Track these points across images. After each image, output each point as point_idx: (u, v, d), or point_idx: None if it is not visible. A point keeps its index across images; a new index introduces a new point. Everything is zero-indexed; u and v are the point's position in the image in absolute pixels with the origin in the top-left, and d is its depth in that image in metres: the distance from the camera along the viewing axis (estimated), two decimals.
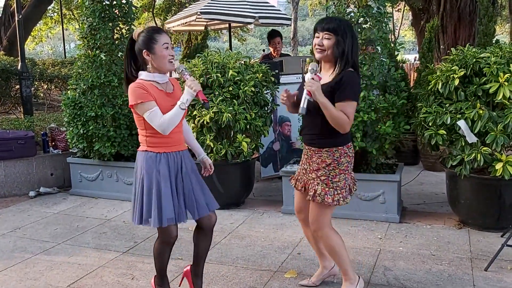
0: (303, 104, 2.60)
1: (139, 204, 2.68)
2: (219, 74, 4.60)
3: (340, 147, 2.74)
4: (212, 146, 4.57)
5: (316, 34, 2.72)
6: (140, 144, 2.73)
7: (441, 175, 5.57)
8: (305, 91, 2.60)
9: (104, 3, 5.15)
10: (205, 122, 4.51)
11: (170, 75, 2.83)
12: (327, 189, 2.75)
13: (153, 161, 2.65)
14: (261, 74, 4.79)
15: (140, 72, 2.68)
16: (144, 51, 2.61)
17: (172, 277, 3.34)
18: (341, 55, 2.65)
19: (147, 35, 2.62)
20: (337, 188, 2.76)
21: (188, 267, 3.04)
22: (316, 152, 2.78)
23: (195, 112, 4.61)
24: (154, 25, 16.93)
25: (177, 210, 2.67)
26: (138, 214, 2.68)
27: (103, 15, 5.13)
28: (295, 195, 3.07)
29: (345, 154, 2.76)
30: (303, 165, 2.93)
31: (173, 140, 2.71)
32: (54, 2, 14.52)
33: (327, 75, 2.73)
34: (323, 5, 20.35)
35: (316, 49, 2.71)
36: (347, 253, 2.88)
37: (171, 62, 2.65)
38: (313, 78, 2.59)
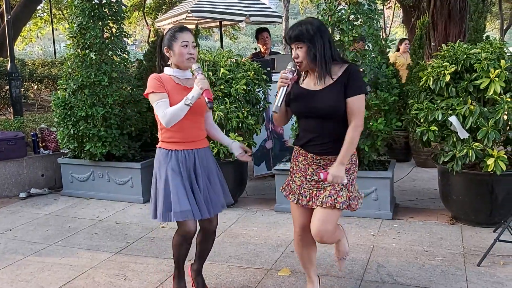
0: (279, 102, 2.49)
1: (153, 199, 2.77)
2: (210, 73, 4.58)
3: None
4: None
5: (291, 46, 2.55)
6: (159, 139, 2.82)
7: (433, 171, 5.59)
8: (282, 88, 2.49)
9: (93, 2, 5.10)
10: None
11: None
12: (349, 194, 2.58)
13: (165, 157, 2.73)
14: (252, 72, 4.78)
15: (165, 67, 2.80)
16: (165, 48, 2.73)
17: (165, 276, 3.33)
18: (316, 59, 2.46)
19: (170, 33, 2.72)
20: (357, 191, 2.69)
21: (189, 265, 3.08)
22: (333, 161, 2.52)
23: None
24: (145, 24, 16.87)
25: (192, 206, 2.67)
26: (153, 209, 2.77)
27: (92, 14, 5.08)
28: (298, 212, 2.72)
29: (355, 155, 2.67)
30: (308, 176, 2.63)
31: (186, 135, 2.73)
32: (43, 2, 14.40)
33: (317, 79, 2.54)
34: (314, 3, 20.37)
35: (296, 63, 2.52)
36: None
37: (189, 60, 2.70)
38: (286, 77, 2.49)
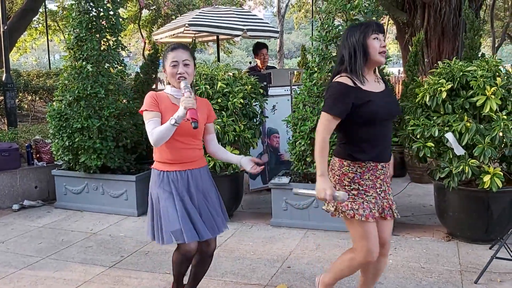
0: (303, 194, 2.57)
1: (149, 220, 2.74)
2: (207, 86, 4.58)
3: None
4: None
5: (373, 36, 2.47)
6: None
7: (428, 187, 5.60)
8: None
9: (91, 15, 5.11)
10: None
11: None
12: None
13: (157, 179, 2.70)
14: (250, 86, 4.79)
15: (167, 85, 2.77)
16: (162, 67, 2.73)
17: None
18: None
19: (164, 52, 2.71)
20: None
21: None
22: (388, 165, 2.61)
23: None
24: (140, 36, 16.89)
25: (184, 225, 2.60)
26: (150, 230, 2.74)
27: (90, 26, 5.08)
28: (372, 230, 2.52)
29: None
30: (378, 190, 2.54)
31: (179, 157, 2.68)
32: (39, 13, 14.40)
33: (373, 81, 2.55)
34: (309, 19, 20.58)
35: (382, 52, 2.47)
36: None
37: (180, 79, 2.61)
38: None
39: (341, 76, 2.50)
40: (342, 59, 2.54)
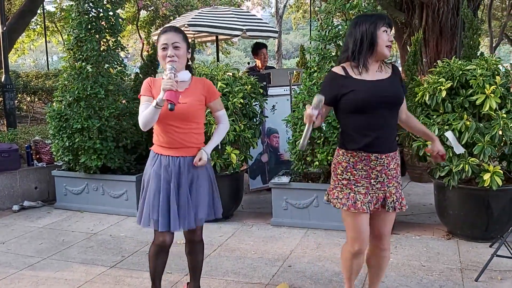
0: (305, 140, 2.37)
1: (141, 202, 2.76)
2: None
3: None
4: None
5: (383, 28, 2.48)
6: None
7: (427, 186, 5.61)
8: (308, 126, 2.35)
9: (90, 15, 5.11)
10: None
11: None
12: (402, 192, 2.64)
13: (151, 159, 2.74)
14: (249, 86, 4.80)
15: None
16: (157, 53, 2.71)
17: None
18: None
19: (158, 36, 2.69)
20: None
21: (185, 284, 3.02)
22: (393, 158, 2.55)
23: None
24: (139, 37, 16.88)
25: (171, 216, 2.64)
26: (138, 214, 2.76)
27: (89, 27, 5.08)
28: (364, 224, 2.55)
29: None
30: (373, 181, 2.53)
31: (172, 141, 2.66)
32: (37, 14, 14.38)
33: (375, 70, 2.54)
34: (307, 19, 20.62)
35: (388, 46, 2.48)
36: None
37: (170, 62, 2.57)
38: (312, 115, 2.33)
39: (337, 66, 2.58)
40: (347, 45, 2.55)
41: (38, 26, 18.19)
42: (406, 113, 2.71)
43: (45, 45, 16.56)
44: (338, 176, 2.58)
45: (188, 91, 2.66)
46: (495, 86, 3.77)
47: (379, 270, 2.79)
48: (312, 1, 15.28)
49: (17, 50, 19.42)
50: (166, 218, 2.64)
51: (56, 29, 18.39)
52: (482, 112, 3.84)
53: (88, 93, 4.98)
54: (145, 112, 2.56)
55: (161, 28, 2.78)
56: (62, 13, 16.25)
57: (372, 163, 2.50)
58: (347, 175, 2.55)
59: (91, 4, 5.10)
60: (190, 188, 2.70)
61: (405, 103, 2.66)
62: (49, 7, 19.03)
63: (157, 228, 2.65)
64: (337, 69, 2.54)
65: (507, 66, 4.20)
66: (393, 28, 2.50)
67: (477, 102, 3.81)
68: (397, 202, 2.58)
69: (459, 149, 3.85)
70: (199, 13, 7.68)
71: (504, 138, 3.77)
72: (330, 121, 4.26)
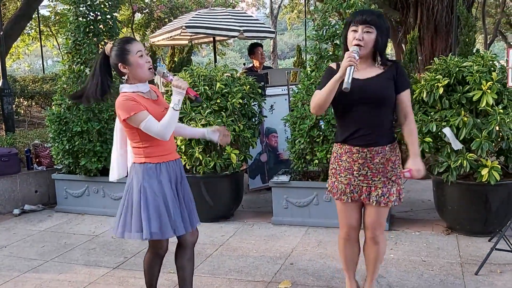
0: (349, 79, 2.39)
1: (137, 216, 2.60)
2: (206, 87, 4.62)
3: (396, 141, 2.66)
4: (201, 158, 4.56)
5: (352, 28, 2.54)
6: (135, 156, 2.66)
7: (426, 182, 5.64)
8: (350, 67, 2.41)
9: (88, 19, 5.14)
10: None
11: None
12: (399, 188, 2.64)
13: (154, 172, 2.60)
14: (248, 86, 4.83)
15: (121, 86, 2.62)
16: (120, 64, 2.57)
17: None
18: (378, 47, 2.55)
19: (119, 48, 2.57)
20: (401, 185, 2.68)
21: None
22: (379, 152, 2.58)
23: None
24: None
25: (177, 222, 2.64)
26: (136, 227, 2.61)
27: (87, 30, 5.11)
28: (348, 213, 2.74)
29: (398, 147, 2.70)
30: (355, 173, 2.62)
31: (169, 148, 2.69)
32: (32, 18, 14.36)
33: (364, 68, 2.60)
34: (301, 19, 20.65)
35: (358, 45, 2.51)
36: None
37: (150, 69, 2.58)
38: (353, 57, 2.42)
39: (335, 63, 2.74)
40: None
41: (33, 31, 18.16)
42: (407, 117, 2.65)
43: (40, 50, 16.52)
44: (330, 165, 2.80)
45: (160, 96, 2.77)
46: (492, 82, 3.81)
47: (369, 262, 2.87)
48: (306, 1, 15.33)
49: (12, 55, 19.38)
50: (168, 224, 2.63)
51: (51, 33, 18.37)
52: (479, 108, 3.88)
53: None
54: (167, 120, 2.51)
55: (120, 39, 2.70)
56: (57, 17, 16.24)
57: (354, 155, 2.62)
58: (334, 165, 2.74)
59: (88, 8, 5.12)
60: (185, 190, 2.78)
61: (405, 104, 2.62)
62: (43, 11, 19.02)
63: (161, 236, 2.61)
64: (333, 65, 2.72)
65: (502, 63, 4.25)
66: (375, 23, 2.51)
67: (474, 98, 3.85)
68: (382, 197, 2.60)
69: (457, 145, 3.90)
70: (196, 14, 7.71)
71: (501, 133, 3.82)
72: (329, 119, 4.29)
